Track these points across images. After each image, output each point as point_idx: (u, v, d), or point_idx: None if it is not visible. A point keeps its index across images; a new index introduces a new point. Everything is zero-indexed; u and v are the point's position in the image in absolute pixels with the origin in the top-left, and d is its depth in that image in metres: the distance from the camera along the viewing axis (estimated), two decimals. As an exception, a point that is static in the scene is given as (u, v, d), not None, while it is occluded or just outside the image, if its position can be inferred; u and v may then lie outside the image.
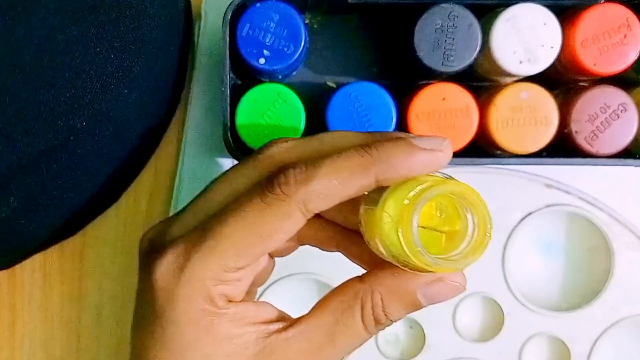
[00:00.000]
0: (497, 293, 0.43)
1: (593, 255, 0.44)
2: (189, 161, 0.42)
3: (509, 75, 0.38)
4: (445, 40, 0.37)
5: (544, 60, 0.37)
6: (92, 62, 0.34)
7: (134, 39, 0.35)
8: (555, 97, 0.38)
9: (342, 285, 0.31)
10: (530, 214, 0.42)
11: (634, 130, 0.38)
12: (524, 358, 0.43)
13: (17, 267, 0.43)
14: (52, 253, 0.43)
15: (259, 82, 0.39)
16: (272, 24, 0.37)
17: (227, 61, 0.37)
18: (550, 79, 0.38)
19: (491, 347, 0.43)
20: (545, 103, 0.38)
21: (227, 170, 0.31)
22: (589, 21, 0.37)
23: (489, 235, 0.28)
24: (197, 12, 0.42)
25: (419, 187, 0.27)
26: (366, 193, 0.30)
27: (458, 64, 0.37)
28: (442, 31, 0.37)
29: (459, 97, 0.38)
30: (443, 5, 0.37)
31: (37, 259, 0.43)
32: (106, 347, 0.44)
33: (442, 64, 0.37)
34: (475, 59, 0.37)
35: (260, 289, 0.41)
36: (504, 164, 0.40)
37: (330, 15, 0.41)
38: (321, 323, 0.30)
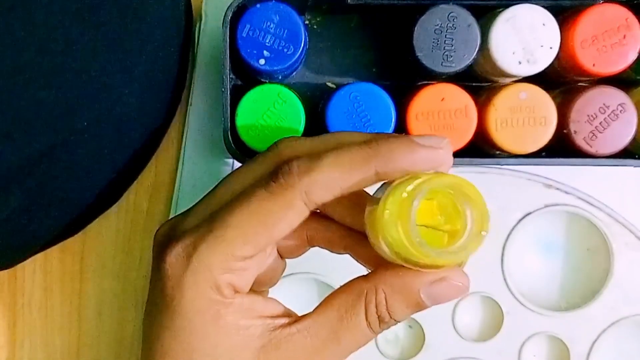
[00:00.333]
0: (496, 293, 0.43)
1: (592, 255, 0.44)
2: (189, 161, 0.42)
3: (508, 75, 0.38)
4: (445, 41, 0.37)
5: (543, 60, 0.37)
6: (92, 62, 0.34)
7: (134, 39, 0.35)
8: (555, 97, 0.38)
9: (348, 283, 0.32)
10: (529, 213, 0.43)
11: (633, 130, 0.38)
12: (524, 358, 0.43)
13: (18, 267, 0.43)
14: (53, 253, 0.43)
15: (259, 82, 0.39)
16: (272, 25, 0.37)
17: (227, 62, 0.37)
18: (550, 79, 0.38)
19: (491, 347, 0.43)
20: (545, 103, 0.38)
21: (238, 168, 0.32)
22: (588, 21, 0.37)
23: (486, 228, 0.28)
24: (197, 12, 0.42)
25: (417, 181, 0.28)
26: (371, 194, 0.30)
27: (457, 65, 0.37)
28: (441, 31, 0.37)
29: (458, 98, 0.38)
30: (442, 5, 0.37)
31: (37, 259, 0.43)
32: (106, 347, 0.44)
33: (442, 64, 0.37)
34: (475, 60, 0.37)
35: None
36: (503, 164, 0.40)
37: (330, 15, 0.41)
38: (326, 320, 0.31)
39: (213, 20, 0.42)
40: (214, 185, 0.32)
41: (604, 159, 0.38)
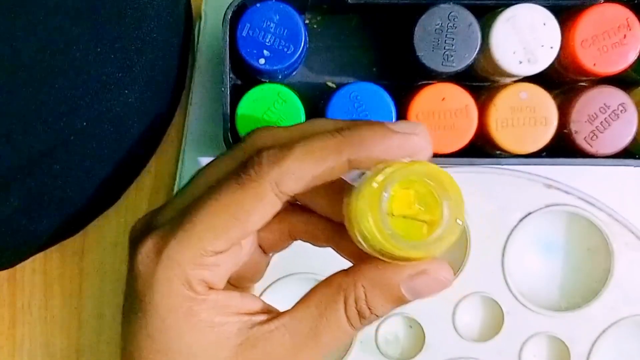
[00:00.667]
0: (496, 293, 0.43)
1: (593, 255, 0.44)
2: (189, 161, 0.42)
3: (509, 75, 0.38)
4: (445, 41, 0.37)
5: (543, 60, 0.37)
6: (92, 62, 0.34)
7: (134, 39, 0.35)
8: (555, 97, 0.38)
9: (327, 278, 0.31)
10: (530, 214, 0.43)
11: (634, 130, 0.38)
12: (524, 358, 0.43)
13: (18, 267, 0.43)
14: (53, 253, 0.43)
15: (259, 82, 0.39)
16: (272, 24, 0.37)
17: (227, 61, 0.37)
18: (550, 79, 0.38)
19: (491, 347, 0.43)
20: (545, 103, 0.38)
21: (212, 160, 0.32)
22: (589, 21, 0.37)
23: (461, 216, 0.27)
24: (197, 12, 0.42)
25: (388, 170, 0.27)
26: (350, 184, 0.29)
27: (458, 64, 0.37)
28: (441, 31, 0.37)
29: (458, 97, 0.38)
30: (443, 5, 0.37)
31: (37, 259, 0.43)
32: (106, 347, 0.44)
33: (442, 64, 0.37)
34: (475, 59, 0.37)
35: (260, 289, 0.41)
36: (503, 164, 0.40)
37: (330, 15, 0.41)
38: (305, 316, 0.30)
39: (213, 19, 0.42)
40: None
41: (604, 159, 0.38)
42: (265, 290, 0.42)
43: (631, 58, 0.37)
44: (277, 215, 0.32)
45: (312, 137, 0.29)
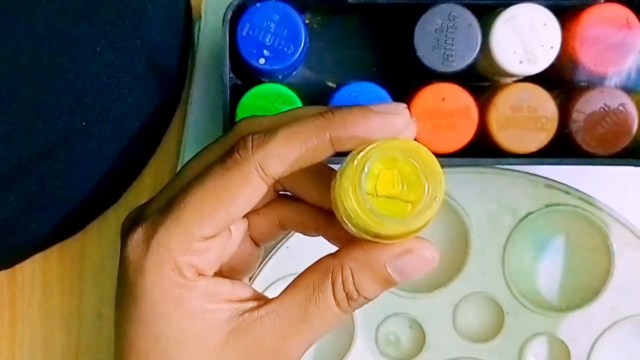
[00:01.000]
0: (497, 293, 0.43)
1: (593, 255, 0.44)
2: (189, 161, 0.42)
3: (509, 75, 0.38)
4: (445, 40, 0.37)
5: (543, 60, 0.37)
6: (92, 63, 0.34)
7: (134, 39, 0.35)
8: (555, 97, 0.38)
9: (315, 262, 0.31)
10: (530, 214, 0.42)
11: (634, 130, 0.38)
12: (524, 358, 0.43)
13: (17, 267, 0.43)
14: (52, 253, 0.43)
15: (259, 82, 0.39)
16: (272, 24, 0.37)
17: (227, 61, 0.37)
18: (550, 79, 0.38)
19: (491, 347, 0.43)
20: (545, 103, 0.38)
21: (198, 151, 0.32)
22: (589, 21, 0.37)
23: (439, 194, 0.28)
24: (197, 12, 0.42)
25: (367, 147, 0.28)
26: (336, 169, 0.29)
27: (458, 64, 0.37)
28: (442, 31, 0.37)
29: (459, 97, 0.38)
30: (443, 5, 0.37)
31: (37, 259, 0.43)
32: (106, 346, 0.44)
33: (442, 64, 0.37)
34: (475, 59, 0.37)
35: (260, 289, 0.41)
36: (504, 164, 0.40)
37: (330, 15, 0.41)
38: (294, 301, 0.30)
39: (213, 19, 0.42)
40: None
41: (604, 159, 0.38)
42: (265, 290, 0.42)
43: (631, 58, 0.37)
44: (267, 205, 0.32)
45: (296, 121, 0.29)
